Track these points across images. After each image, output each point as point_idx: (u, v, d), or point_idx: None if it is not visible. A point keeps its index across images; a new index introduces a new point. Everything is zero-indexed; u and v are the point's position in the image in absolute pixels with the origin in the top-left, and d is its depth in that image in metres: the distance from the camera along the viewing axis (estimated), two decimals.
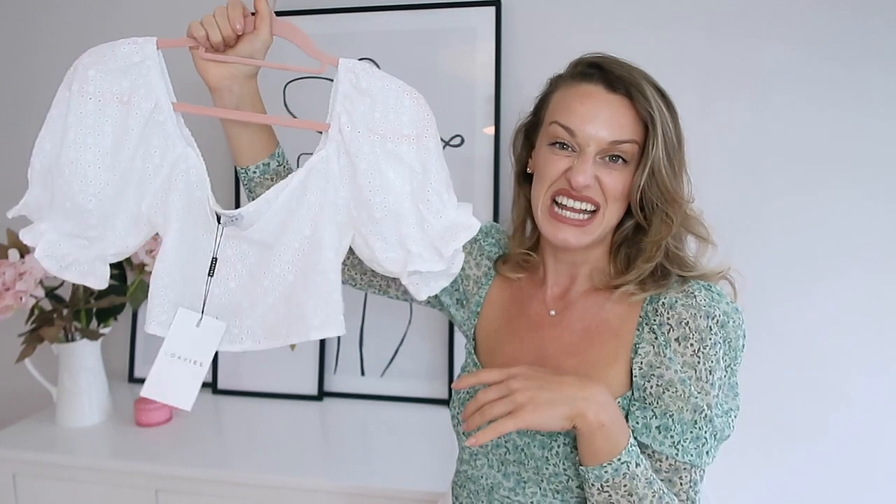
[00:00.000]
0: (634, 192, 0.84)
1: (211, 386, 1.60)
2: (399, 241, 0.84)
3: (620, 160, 0.84)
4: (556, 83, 0.92)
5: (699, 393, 0.80)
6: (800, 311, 1.43)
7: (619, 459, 0.76)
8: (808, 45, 1.38)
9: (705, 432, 0.80)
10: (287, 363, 1.58)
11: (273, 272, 0.86)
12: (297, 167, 1.57)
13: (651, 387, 0.81)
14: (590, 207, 0.85)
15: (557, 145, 0.86)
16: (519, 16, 1.48)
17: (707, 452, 0.81)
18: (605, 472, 0.76)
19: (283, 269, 0.86)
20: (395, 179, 0.82)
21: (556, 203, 0.87)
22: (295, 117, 1.57)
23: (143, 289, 1.53)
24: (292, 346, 1.57)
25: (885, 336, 1.40)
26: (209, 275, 0.86)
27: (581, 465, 0.79)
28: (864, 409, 1.42)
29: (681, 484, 0.81)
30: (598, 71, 0.86)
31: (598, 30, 1.45)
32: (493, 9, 1.46)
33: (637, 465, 0.76)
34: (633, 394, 0.83)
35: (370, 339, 1.59)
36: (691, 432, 0.80)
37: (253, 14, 0.87)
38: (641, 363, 0.83)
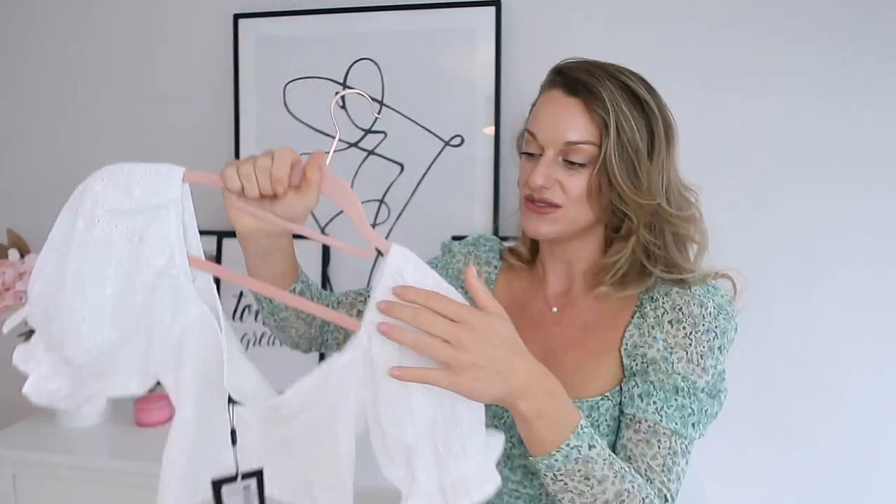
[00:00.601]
0: (594, 193, 0.87)
1: None
2: (407, 463, 0.73)
3: (577, 164, 0.87)
4: (539, 91, 0.95)
5: (687, 372, 0.83)
6: (800, 309, 1.43)
7: (569, 445, 0.73)
8: (809, 41, 1.38)
9: (691, 404, 0.83)
10: (287, 363, 1.58)
11: (290, 442, 0.78)
12: None
13: (636, 365, 0.86)
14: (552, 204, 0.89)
15: (526, 154, 0.91)
16: (519, 16, 1.48)
17: (693, 425, 0.82)
18: (555, 460, 0.73)
19: (299, 443, 0.78)
20: (419, 406, 0.70)
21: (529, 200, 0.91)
22: (296, 118, 1.57)
23: None
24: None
25: (886, 336, 1.40)
26: (233, 444, 0.77)
27: (529, 456, 0.76)
28: (865, 409, 1.42)
29: (658, 447, 0.81)
30: (559, 76, 0.89)
31: (598, 29, 1.45)
32: (493, 9, 1.46)
33: (591, 447, 0.74)
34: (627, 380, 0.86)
35: None
36: (675, 400, 0.83)
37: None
38: (627, 344, 0.87)
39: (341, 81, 1.55)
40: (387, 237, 1.56)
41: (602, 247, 0.94)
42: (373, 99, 1.54)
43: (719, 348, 0.85)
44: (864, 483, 1.43)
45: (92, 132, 1.70)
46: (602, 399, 0.86)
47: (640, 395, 0.84)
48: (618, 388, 0.87)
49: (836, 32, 1.37)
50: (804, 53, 1.38)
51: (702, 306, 0.85)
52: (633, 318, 0.89)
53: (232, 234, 1.62)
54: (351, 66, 1.54)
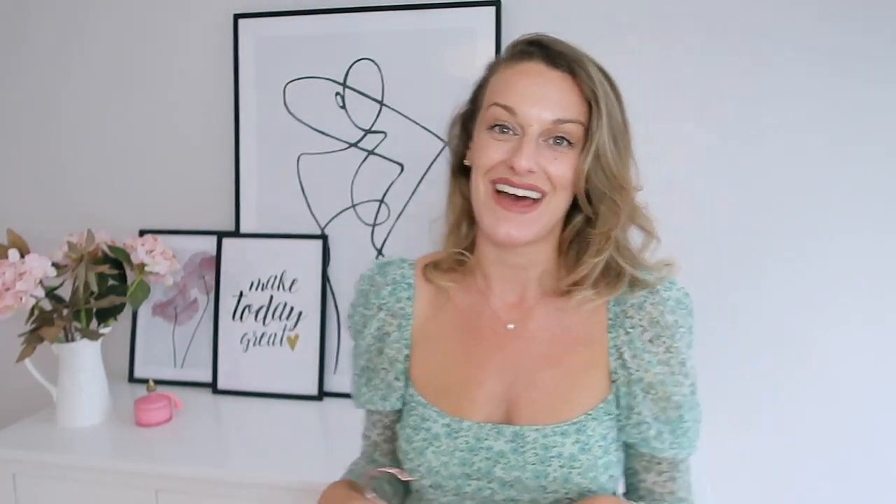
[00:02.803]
0: (580, 178, 0.78)
1: (211, 386, 1.60)
2: None
3: (565, 142, 0.78)
4: (494, 66, 0.85)
5: (676, 387, 0.81)
6: (797, 304, 1.43)
7: None
8: (806, 49, 1.38)
9: (693, 421, 0.82)
10: (287, 363, 1.58)
11: None
12: (298, 166, 1.58)
13: (636, 391, 0.81)
14: (534, 195, 0.79)
15: (497, 129, 0.79)
16: (519, 16, 1.48)
17: (698, 437, 0.83)
18: None
19: None
20: None
21: (498, 192, 0.79)
22: (296, 118, 1.57)
23: (143, 289, 1.53)
24: (291, 344, 1.57)
25: (882, 323, 1.41)
26: None
27: None
28: (860, 399, 1.42)
29: (680, 476, 0.83)
30: (538, 48, 0.81)
31: (598, 30, 1.45)
32: (493, 9, 1.46)
33: None
34: (617, 401, 0.82)
35: None
36: (681, 427, 0.81)
37: None
38: (621, 367, 0.81)
39: (341, 81, 1.55)
40: (387, 237, 1.56)
41: (557, 249, 0.86)
42: (373, 99, 1.54)
43: (690, 344, 0.83)
44: (863, 479, 1.44)
45: (92, 132, 1.70)
46: (588, 419, 0.80)
47: (655, 437, 0.81)
48: (603, 403, 0.81)
49: (837, 39, 1.37)
50: (803, 56, 1.38)
51: (673, 312, 0.81)
52: (611, 330, 0.82)
53: (232, 234, 1.62)
54: (351, 66, 1.54)
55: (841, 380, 1.43)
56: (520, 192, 0.78)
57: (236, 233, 1.62)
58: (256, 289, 1.59)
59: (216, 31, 1.61)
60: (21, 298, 1.33)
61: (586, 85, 0.78)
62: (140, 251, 1.49)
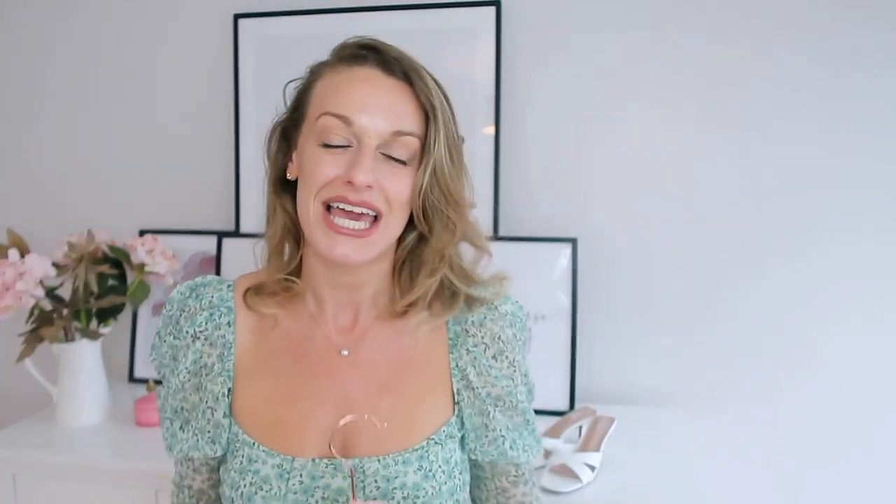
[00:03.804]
0: (416, 196, 0.73)
1: None
2: None
3: (401, 161, 0.73)
4: (318, 70, 0.78)
5: (521, 396, 0.81)
6: (796, 304, 1.43)
7: None
8: (807, 48, 1.38)
9: (534, 423, 0.83)
10: None
11: None
12: None
13: (487, 408, 0.79)
14: (371, 213, 0.72)
15: (330, 140, 0.72)
16: (519, 16, 1.48)
17: (537, 435, 0.84)
18: None
19: None
20: None
21: (330, 210, 0.72)
22: None
23: (143, 289, 1.53)
24: None
25: (880, 321, 1.41)
26: None
27: None
28: (859, 398, 1.42)
29: (530, 479, 0.84)
30: (371, 52, 0.75)
31: (598, 30, 1.45)
32: (493, 9, 1.46)
33: None
34: (461, 422, 0.79)
35: None
36: (527, 429, 0.82)
37: None
38: (465, 388, 0.79)
39: None
40: None
41: (391, 268, 0.80)
42: None
43: (524, 351, 0.83)
44: (863, 478, 1.44)
45: (92, 132, 1.70)
46: (430, 444, 0.77)
47: (510, 447, 0.80)
48: (445, 426, 0.78)
49: (836, 40, 1.37)
50: (802, 59, 1.39)
51: (512, 326, 0.80)
52: (452, 350, 0.79)
53: (232, 234, 1.62)
54: None
55: (841, 379, 1.43)
56: (357, 210, 0.71)
57: (236, 233, 1.62)
58: None
59: (216, 31, 1.61)
60: (21, 298, 1.33)
61: (423, 94, 0.73)
62: (140, 251, 1.49)
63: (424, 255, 0.77)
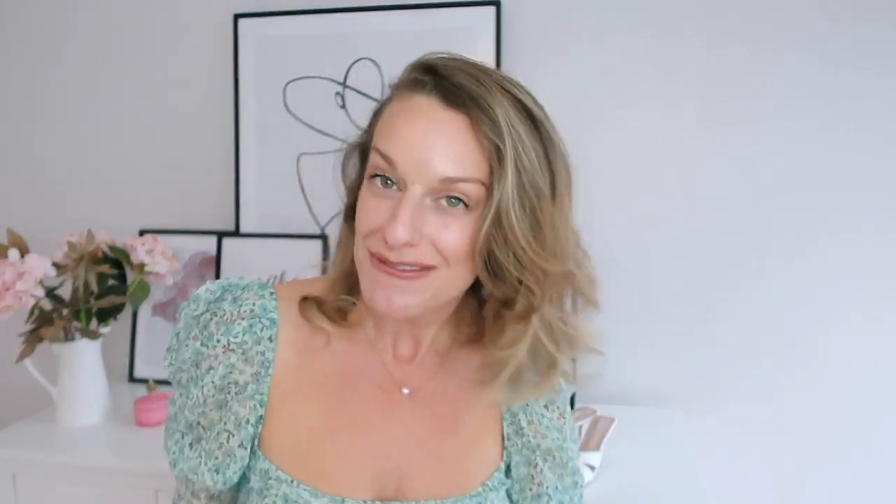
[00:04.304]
0: (476, 249, 0.61)
1: None
2: None
3: (461, 203, 0.61)
4: (392, 91, 0.67)
5: (571, 453, 0.75)
6: (796, 304, 1.43)
7: None
8: (807, 47, 1.38)
9: (582, 487, 0.77)
10: None
11: None
12: (297, 166, 1.58)
13: (536, 459, 0.73)
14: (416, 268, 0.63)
15: (379, 180, 0.62)
16: (519, 16, 1.48)
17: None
18: None
19: None
20: None
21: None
22: (296, 118, 1.57)
23: (144, 289, 1.53)
24: None
25: (881, 322, 1.41)
26: None
27: None
28: (860, 399, 1.42)
29: None
30: (432, 78, 0.62)
31: (598, 30, 1.45)
32: (493, 9, 1.46)
33: None
34: (507, 469, 0.73)
35: None
36: (576, 494, 0.76)
37: None
38: (515, 433, 0.73)
39: (341, 81, 1.55)
40: None
41: (456, 303, 0.71)
42: (373, 99, 1.54)
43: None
44: (863, 478, 1.44)
45: (91, 132, 1.70)
46: (486, 489, 0.71)
47: None
48: (497, 472, 0.72)
49: (836, 41, 1.37)
50: (803, 63, 1.39)
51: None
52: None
53: (232, 234, 1.62)
54: (351, 66, 1.54)
55: (841, 379, 1.43)
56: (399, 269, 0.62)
57: (236, 233, 1.62)
58: None
59: (216, 31, 1.61)
60: (21, 298, 1.33)
61: (485, 133, 0.59)
62: (140, 251, 1.49)
63: (505, 321, 0.65)
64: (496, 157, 0.60)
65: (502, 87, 0.61)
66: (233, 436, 0.68)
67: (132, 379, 1.67)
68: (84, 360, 1.42)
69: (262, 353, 0.69)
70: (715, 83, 1.42)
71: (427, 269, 0.62)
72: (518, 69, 1.48)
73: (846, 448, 1.44)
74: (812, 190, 1.41)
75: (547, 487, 0.73)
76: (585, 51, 1.45)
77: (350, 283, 0.72)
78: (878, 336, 1.41)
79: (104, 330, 1.45)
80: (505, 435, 0.73)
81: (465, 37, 1.48)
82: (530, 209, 0.61)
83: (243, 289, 0.72)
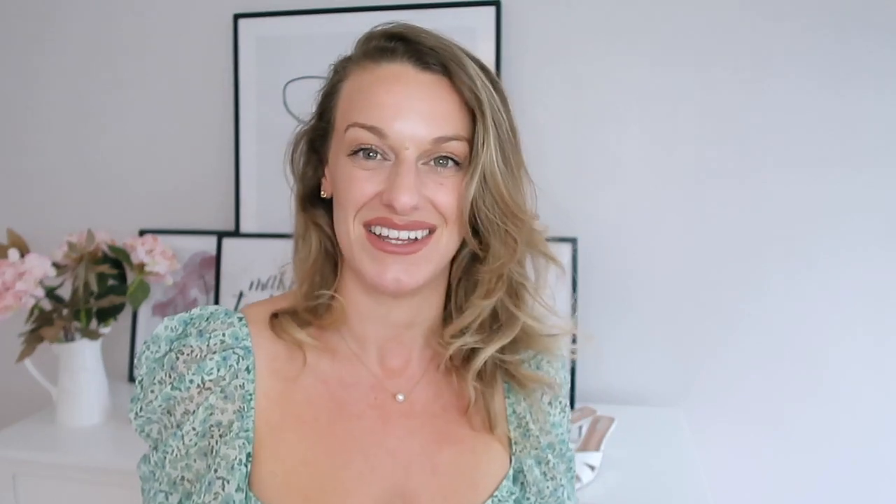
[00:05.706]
0: (465, 206, 0.62)
1: None
2: None
3: (451, 162, 0.62)
4: (343, 69, 0.67)
5: (571, 443, 0.77)
6: (800, 314, 1.43)
7: None
8: (806, 66, 1.39)
9: (573, 473, 0.78)
10: None
11: None
12: None
13: (548, 457, 0.72)
14: (422, 234, 0.63)
15: (362, 154, 0.62)
16: (519, 16, 1.48)
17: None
18: None
19: None
20: None
21: (373, 233, 0.63)
22: (296, 118, 1.57)
23: (144, 289, 1.53)
24: None
25: (885, 330, 1.41)
26: None
27: None
28: (864, 404, 1.42)
29: None
30: (401, 44, 0.65)
31: (599, 30, 1.45)
32: (493, 9, 1.46)
33: None
34: (515, 475, 0.71)
35: None
36: (569, 480, 0.76)
37: None
38: (523, 436, 0.71)
39: None
40: None
41: (443, 297, 0.70)
42: None
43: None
44: (863, 478, 1.44)
45: (91, 132, 1.70)
46: (495, 501, 0.68)
47: (567, 497, 0.73)
48: (506, 480, 0.69)
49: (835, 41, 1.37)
50: (805, 51, 1.39)
51: (564, 367, 0.76)
52: (509, 395, 0.72)
53: (232, 234, 1.62)
54: None
55: (841, 380, 1.43)
56: (404, 235, 0.62)
57: (236, 233, 1.62)
58: (256, 289, 1.59)
59: (216, 31, 1.61)
60: (21, 298, 1.33)
61: (466, 88, 0.61)
62: (140, 251, 1.49)
63: (480, 276, 0.66)
64: (477, 113, 0.62)
65: (462, 49, 0.65)
66: (227, 482, 0.61)
67: (132, 379, 1.67)
68: (84, 360, 1.42)
69: (242, 387, 0.63)
70: (716, 81, 1.42)
71: (431, 232, 0.63)
72: (518, 69, 1.48)
73: (846, 448, 1.44)
74: (816, 200, 1.41)
75: (560, 479, 0.73)
76: (585, 50, 1.45)
77: (324, 275, 0.70)
78: (880, 336, 1.41)
79: (104, 330, 1.45)
80: (512, 439, 0.71)
81: (465, 37, 1.47)
82: (507, 162, 0.63)
83: (207, 319, 0.66)
